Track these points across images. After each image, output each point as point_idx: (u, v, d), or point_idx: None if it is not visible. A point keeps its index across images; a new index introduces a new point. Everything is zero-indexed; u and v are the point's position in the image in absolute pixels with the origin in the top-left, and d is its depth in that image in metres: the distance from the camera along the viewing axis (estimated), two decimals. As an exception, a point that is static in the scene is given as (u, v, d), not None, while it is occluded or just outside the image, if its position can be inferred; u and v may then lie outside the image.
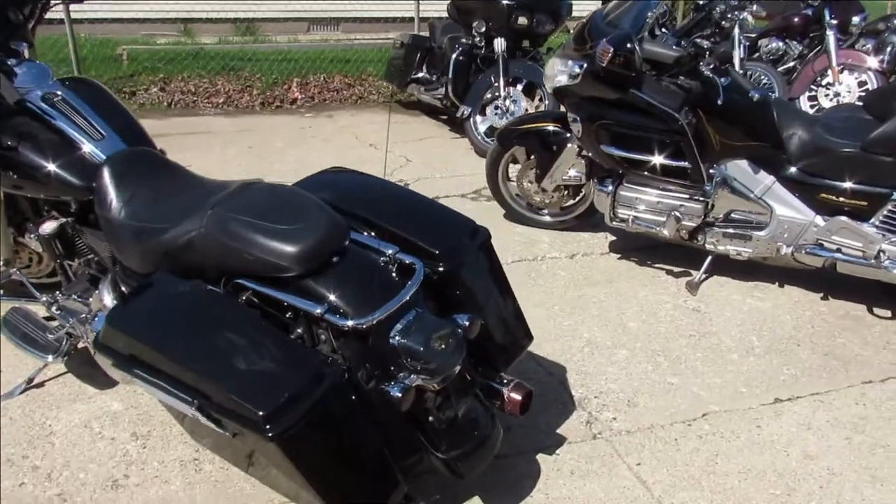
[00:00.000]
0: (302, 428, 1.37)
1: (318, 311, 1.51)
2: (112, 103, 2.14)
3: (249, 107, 6.02)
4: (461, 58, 4.87)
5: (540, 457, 2.07)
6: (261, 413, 1.33)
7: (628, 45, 2.63)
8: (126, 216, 1.82)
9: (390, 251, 1.67)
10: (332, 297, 1.55)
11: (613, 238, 3.53)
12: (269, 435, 1.33)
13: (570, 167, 3.30)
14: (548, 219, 3.60)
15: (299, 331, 1.58)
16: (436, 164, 4.61)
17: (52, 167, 1.92)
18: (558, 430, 2.18)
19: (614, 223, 3.15)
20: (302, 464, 1.39)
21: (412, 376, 1.54)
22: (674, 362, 2.56)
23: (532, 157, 3.45)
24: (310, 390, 1.40)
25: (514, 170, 3.63)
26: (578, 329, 2.74)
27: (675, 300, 2.99)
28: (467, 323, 1.65)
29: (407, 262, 1.65)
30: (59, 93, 2.03)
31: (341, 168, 2.08)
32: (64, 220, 2.03)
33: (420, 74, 5.55)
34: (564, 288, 3.05)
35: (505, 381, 1.84)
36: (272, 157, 4.64)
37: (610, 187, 3.09)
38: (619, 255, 3.38)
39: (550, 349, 2.59)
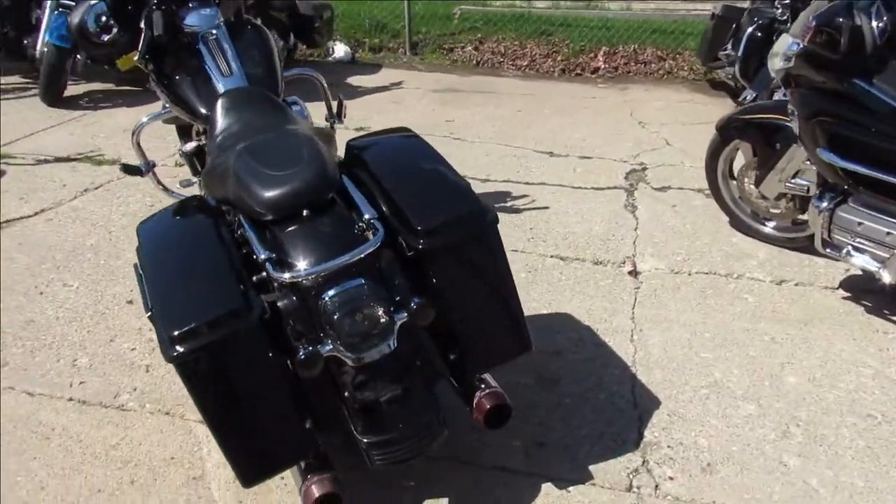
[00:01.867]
0: (199, 358, 1.41)
1: (262, 257, 1.52)
2: (259, 48, 2.34)
3: (549, 72, 6.01)
4: (757, 33, 4.17)
5: (547, 487, 1.80)
6: (167, 334, 1.41)
7: (839, 20, 1.97)
8: (213, 145, 2.03)
9: (367, 216, 1.59)
10: (285, 248, 1.54)
11: (854, 273, 2.75)
12: (169, 355, 1.40)
13: (795, 172, 2.65)
14: (772, 231, 2.95)
15: (263, 275, 1.61)
16: (695, 152, 4.06)
17: (186, 95, 2.22)
18: (591, 466, 1.86)
19: (826, 250, 2.46)
20: (196, 393, 1.44)
21: (329, 345, 1.46)
22: (810, 441, 1.95)
23: (757, 154, 2.85)
24: (220, 325, 1.42)
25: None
26: (712, 366, 2.24)
27: (880, 367, 2.24)
28: (414, 307, 1.50)
29: (373, 229, 1.55)
30: (214, 33, 2.31)
31: (405, 129, 1.99)
32: (202, 142, 2.34)
33: (727, 50, 4.90)
34: (735, 316, 2.50)
35: (482, 385, 1.63)
36: (531, 122, 4.60)
37: (826, 203, 2.40)
38: (845, 295, 2.63)
39: (658, 377, 2.19)
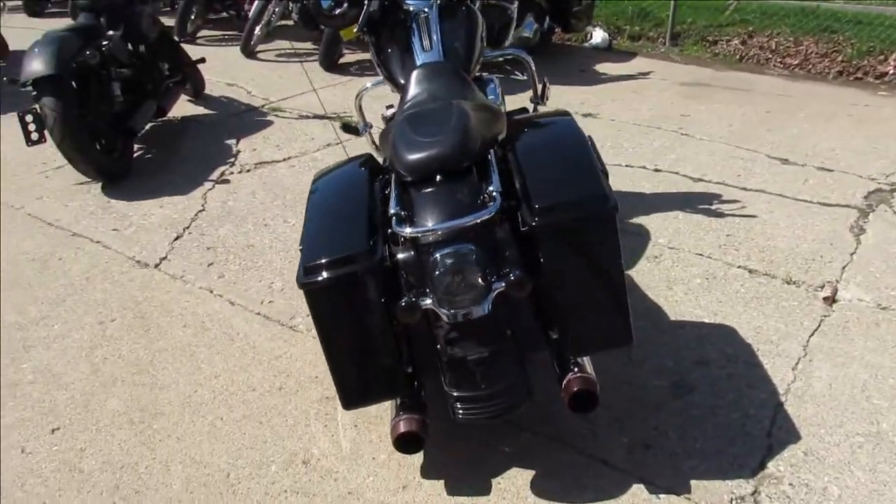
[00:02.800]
0: (321, 289, 1.64)
1: (392, 212, 1.70)
2: (464, 28, 2.51)
3: (823, 73, 5.40)
4: None
5: (637, 488, 1.76)
6: (302, 264, 1.67)
7: None
8: (398, 111, 2.25)
9: (491, 188, 1.68)
10: (414, 207, 1.70)
11: None
12: (299, 282, 1.66)
13: None
14: None
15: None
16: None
17: (391, 66, 2.47)
18: (693, 481, 1.77)
19: None
20: (316, 319, 1.67)
21: (428, 300, 1.60)
22: (976, 524, 1.64)
23: None
24: (343, 264, 1.63)
25: None
26: (882, 415, 1.97)
27: None
28: (512, 278, 1.57)
29: (493, 200, 1.64)
30: (426, 11, 2.52)
31: (563, 112, 2.01)
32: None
33: None
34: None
35: (576, 368, 1.65)
36: (776, 125, 4.23)
37: None
38: None
39: (810, 412, 1.98)
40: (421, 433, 1.65)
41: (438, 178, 1.71)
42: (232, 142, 4.09)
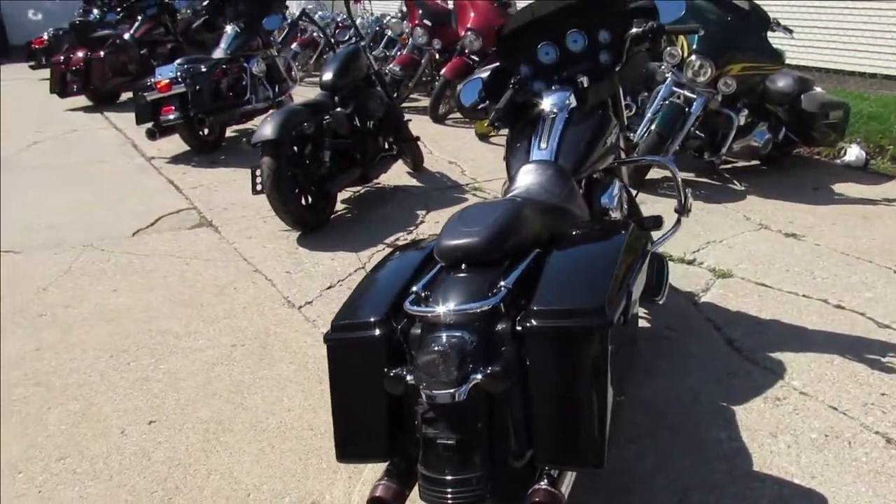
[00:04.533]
0: (337, 347, 1.82)
1: (413, 289, 1.82)
2: (588, 133, 2.52)
3: None
4: None
5: None
6: (332, 322, 1.88)
7: None
8: None
9: (502, 283, 1.73)
10: (434, 289, 1.80)
11: None
12: (324, 336, 1.86)
13: None
14: None
15: None
16: None
17: (509, 159, 2.61)
18: None
19: None
20: (330, 371, 1.84)
21: (410, 375, 1.68)
22: None
23: None
24: (356, 329, 1.80)
25: None
26: None
27: None
28: (489, 371, 1.59)
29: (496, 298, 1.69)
30: (555, 113, 2.61)
31: (623, 223, 1.97)
32: None
33: None
34: None
35: (546, 480, 1.60)
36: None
37: None
38: None
39: None
40: (391, 500, 1.71)
41: (464, 266, 1.81)
42: (422, 212, 4.49)
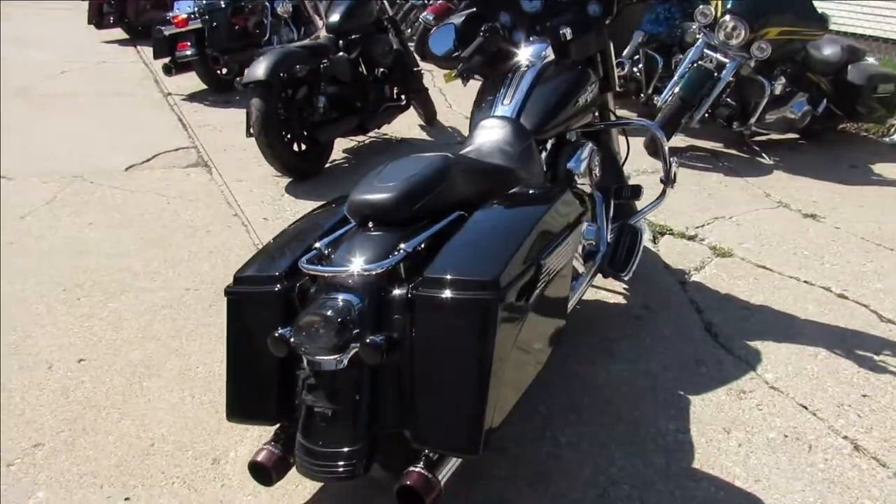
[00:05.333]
0: (235, 300, 1.71)
1: (316, 246, 1.69)
2: (558, 90, 2.33)
3: None
4: None
5: None
6: (234, 274, 1.77)
7: None
8: None
9: (403, 245, 1.58)
10: (337, 247, 1.66)
11: None
12: (225, 288, 1.76)
13: None
14: None
15: None
16: None
17: (472, 112, 2.43)
18: None
19: None
20: (227, 326, 1.73)
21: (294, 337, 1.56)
22: None
23: None
24: (255, 282, 1.69)
25: None
26: None
27: None
28: (367, 341, 1.46)
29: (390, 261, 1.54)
30: (525, 67, 2.41)
31: (555, 187, 1.79)
32: None
33: None
34: None
35: (423, 463, 1.47)
36: None
37: None
38: None
39: None
40: (271, 467, 1.61)
41: (370, 224, 1.67)
42: (422, 167, 4.32)
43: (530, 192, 1.86)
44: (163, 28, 5.57)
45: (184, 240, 3.25)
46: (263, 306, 1.66)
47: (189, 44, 5.51)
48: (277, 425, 1.69)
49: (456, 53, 2.62)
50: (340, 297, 1.53)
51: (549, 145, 2.38)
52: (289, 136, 3.96)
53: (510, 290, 1.47)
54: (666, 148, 2.69)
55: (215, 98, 5.75)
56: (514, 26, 2.58)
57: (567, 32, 2.50)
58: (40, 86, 6.05)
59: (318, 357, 1.50)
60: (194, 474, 1.89)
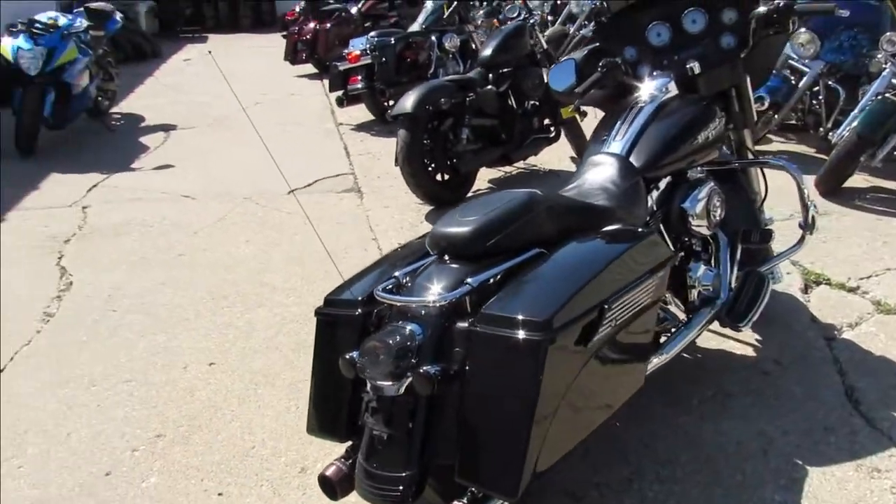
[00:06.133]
0: (322, 321, 1.83)
1: (395, 274, 1.76)
2: (676, 127, 2.24)
3: None
4: None
5: None
6: (326, 296, 1.90)
7: None
8: None
9: (470, 280, 1.60)
10: (416, 277, 1.72)
11: None
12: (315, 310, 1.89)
13: None
14: None
15: None
16: None
17: (587, 148, 2.39)
18: None
19: None
20: (314, 347, 1.86)
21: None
22: None
23: None
24: (339, 305, 1.80)
25: None
26: None
27: None
28: (420, 371, 1.49)
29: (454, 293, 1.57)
30: (643, 102, 2.34)
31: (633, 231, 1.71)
32: None
33: None
34: None
35: (467, 496, 1.48)
36: None
37: None
38: None
39: None
40: (336, 482, 1.69)
41: (446, 257, 1.71)
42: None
43: (614, 232, 1.80)
44: (338, 63, 6.05)
45: (323, 260, 3.49)
46: (344, 329, 1.76)
47: (359, 78, 5.92)
48: (350, 443, 1.77)
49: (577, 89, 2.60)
50: (406, 325, 1.58)
51: (663, 183, 2.28)
52: (432, 165, 4.12)
53: (565, 331, 1.43)
54: (805, 191, 2.46)
55: (380, 128, 6.11)
56: (639, 60, 2.52)
57: (695, 66, 2.40)
58: (237, 116, 6.79)
59: (377, 382, 1.56)
60: (281, 480, 2.02)
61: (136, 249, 3.63)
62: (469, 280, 1.60)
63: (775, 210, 3.44)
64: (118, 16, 6.68)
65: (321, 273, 3.33)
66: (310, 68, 9.04)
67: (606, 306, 1.52)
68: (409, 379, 1.52)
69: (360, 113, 6.41)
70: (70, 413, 2.32)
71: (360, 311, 1.73)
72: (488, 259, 1.68)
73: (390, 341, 1.54)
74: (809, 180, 4.26)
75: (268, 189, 4.57)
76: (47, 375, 2.53)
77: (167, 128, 6.27)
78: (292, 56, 8.82)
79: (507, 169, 4.81)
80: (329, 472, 1.70)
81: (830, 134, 4.49)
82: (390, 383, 1.54)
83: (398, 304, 1.63)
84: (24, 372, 2.56)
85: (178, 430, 2.24)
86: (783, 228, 2.80)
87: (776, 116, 4.81)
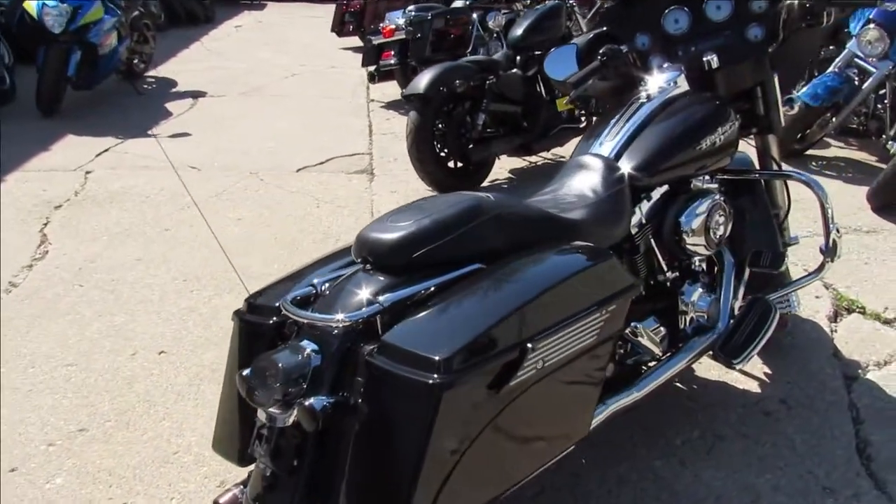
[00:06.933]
0: (237, 325, 1.62)
1: (314, 282, 1.53)
2: (677, 128, 1.95)
3: None
4: None
5: None
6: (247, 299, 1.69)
7: None
8: None
9: (382, 298, 1.36)
10: (335, 284, 1.50)
11: None
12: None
13: None
14: None
15: None
16: None
17: (580, 142, 2.11)
18: None
19: None
20: (228, 358, 1.66)
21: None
22: None
23: None
24: (261, 312, 1.57)
25: None
26: None
27: None
28: (305, 404, 1.27)
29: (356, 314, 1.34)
30: (645, 98, 2.04)
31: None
32: None
33: None
34: None
35: None
36: None
37: None
38: None
39: None
40: (226, 508, 1.50)
41: (367, 266, 1.48)
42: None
43: (565, 252, 1.52)
44: (372, 38, 5.81)
45: (312, 245, 3.30)
46: (256, 338, 1.55)
47: (392, 53, 5.67)
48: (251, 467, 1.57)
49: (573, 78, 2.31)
50: (307, 346, 1.36)
51: (657, 193, 1.98)
52: (445, 151, 3.87)
53: (467, 374, 1.19)
54: (829, 211, 2.12)
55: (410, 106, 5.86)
56: (651, 50, 2.21)
57: (713, 59, 2.09)
58: (271, 86, 6.66)
59: (263, 409, 1.35)
60: (195, 494, 1.84)
61: (122, 221, 3.50)
62: (381, 298, 1.36)
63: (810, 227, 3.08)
64: (155, -23, 6.59)
65: (306, 259, 3.13)
66: (356, 41, 8.83)
67: (530, 346, 1.26)
68: (293, 410, 1.31)
69: (394, 90, 6.16)
70: (-2, 396, 2.20)
71: (274, 319, 1.52)
72: (419, 272, 1.44)
73: (281, 364, 1.32)
74: (862, 192, 3.85)
75: (277, 165, 4.41)
76: (-11, 352, 2.42)
77: (196, 94, 6.17)
78: (339, 27, 8.60)
79: (533, 159, 4.51)
80: (223, 500, 1.50)
81: (891, 143, 4.03)
82: (278, 412, 1.33)
83: (301, 319, 1.40)
84: (-32, 346, 2.45)
85: (103, 426, 2.08)
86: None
87: (834, 119, 4.37)
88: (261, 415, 1.38)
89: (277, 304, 1.52)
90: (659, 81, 2.09)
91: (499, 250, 1.51)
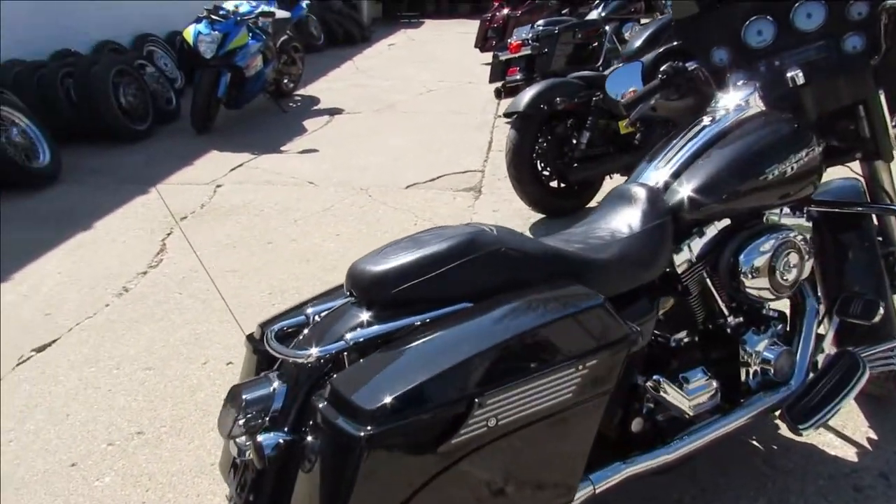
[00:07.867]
0: (246, 352, 1.66)
1: (307, 311, 1.52)
2: (745, 155, 1.73)
3: None
4: None
5: None
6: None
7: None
8: None
9: (350, 335, 1.32)
10: (324, 316, 1.48)
11: None
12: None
13: None
14: None
15: None
16: None
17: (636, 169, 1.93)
18: None
19: None
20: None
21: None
22: None
23: None
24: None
25: None
26: None
27: None
28: (256, 441, 1.25)
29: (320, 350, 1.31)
30: (709, 121, 1.84)
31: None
32: None
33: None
34: None
35: None
36: None
37: None
38: None
39: None
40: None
41: (353, 300, 1.44)
42: (701, 221, 3.68)
43: (545, 295, 1.37)
44: (499, 54, 5.78)
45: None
46: (256, 364, 1.56)
47: (518, 69, 5.61)
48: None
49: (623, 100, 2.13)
50: (274, 380, 1.35)
51: (713, 227, 1.75)
52: (547, 171, 3.74)
53: (397, 428, 1.10)
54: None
55: (536, 123, 5.75)
56: (729, 66, 1.98)
57: (797, 76, 1.83)
58: (405, 103, 6.83)
59: (224, 437, 1.35)
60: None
61: (232, 233, 3.72)
62: (348, 336, 1.31)
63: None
64: (304, 2, 7.01)
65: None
66: (499, 56, 8.86)
67: (478, 401, 1.15)
68: (248, 448, 1.30)
69: (522, 105, 6.09)
70: (81, 394, 2.40)
71: (259, 347, 1.52)
72: (405, 308, 1.38)
73: (244, 395, 1.32)
74: None
75: (389, 181, 4.49)
76: (87, 351, 2.65)
77: (334, 111, 6.47)
78: (482, 43, 8.70)
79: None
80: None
81: None
82: (240, 446, 1.33)
83: (275, 353, 1.39)
84: (72, 345, 2.70)
85: (158, 431, 2.20)
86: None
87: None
88: (232, 446, 1.38)
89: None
90: (728, 101, 1.87)
91: (494, 289, 1.41)
